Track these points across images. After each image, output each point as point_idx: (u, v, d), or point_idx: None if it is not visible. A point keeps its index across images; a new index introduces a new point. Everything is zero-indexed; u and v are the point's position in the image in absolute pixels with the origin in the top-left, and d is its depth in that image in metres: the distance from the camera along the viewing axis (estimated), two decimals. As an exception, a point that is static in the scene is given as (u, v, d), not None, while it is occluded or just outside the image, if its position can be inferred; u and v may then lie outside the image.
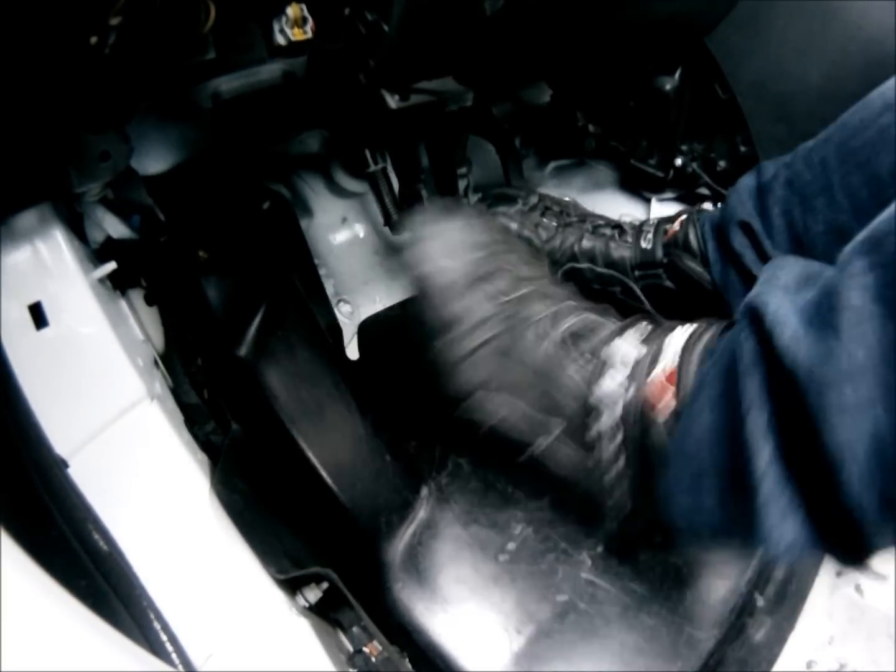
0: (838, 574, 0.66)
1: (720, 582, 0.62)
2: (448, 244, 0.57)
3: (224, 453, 0.63)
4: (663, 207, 1.04)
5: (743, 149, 0.85)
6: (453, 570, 0.64)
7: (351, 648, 0.56)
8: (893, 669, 0.60)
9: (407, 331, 0.64)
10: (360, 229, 1.02)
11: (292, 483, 0.69)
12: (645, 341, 0.49)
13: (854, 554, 0.36)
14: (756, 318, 0.37)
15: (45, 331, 0.56)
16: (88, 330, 0.58)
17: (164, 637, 0.45)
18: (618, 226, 0.87)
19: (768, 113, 0.81)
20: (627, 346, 0.50)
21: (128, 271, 0.69)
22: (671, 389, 0.44)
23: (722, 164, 0.90)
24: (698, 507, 0.42)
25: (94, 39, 0.43)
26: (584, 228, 0.87)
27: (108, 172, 0.61)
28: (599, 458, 0.50)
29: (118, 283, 0.68)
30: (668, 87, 0.89)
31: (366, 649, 0.55)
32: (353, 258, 0.99)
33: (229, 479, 0.59)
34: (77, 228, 0.64)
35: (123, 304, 0.68)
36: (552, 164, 1.17)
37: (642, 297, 0.82)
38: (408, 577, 0.64)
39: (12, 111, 0.47)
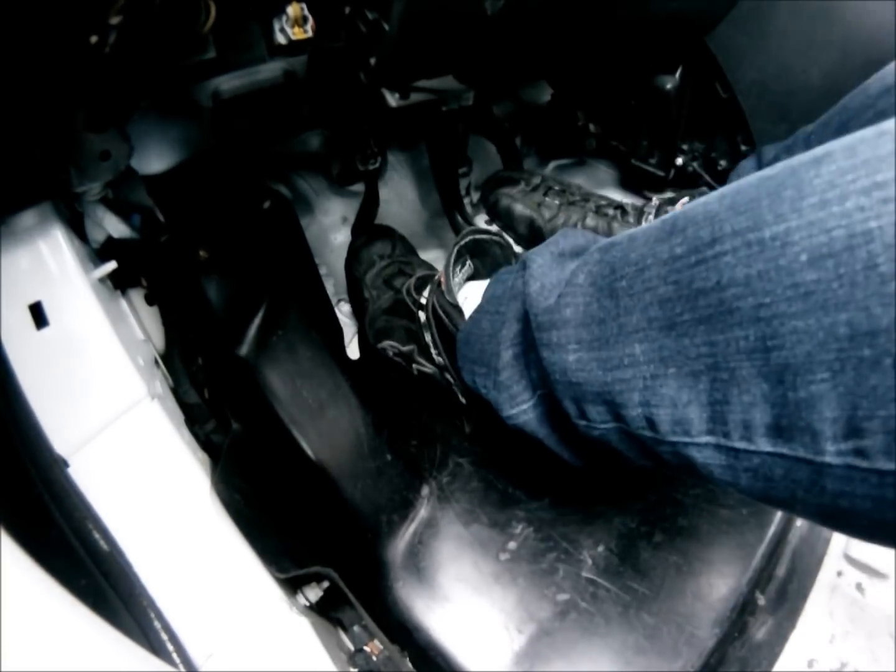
0: (839, 573, 0.66)
1: (721, 581, 0.62)
2: (370, 254, 0.88)
3: (224, 452, 0.63)
4: (664, 207, 1.03)
5: (744, 148, 0.85)
6: (454, 568, 0.64)
7: (352, 647, 0.56)
8: (894, 669, 0.60)
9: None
10: (360, 229, 1.02)
11: (293, 482, 0.69)
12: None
13: (571, 446, 0.51)
14: (526, 268, 0.50)
15: (45, 330, 0.56)
16: (89, 329, 0.58)
17: (164, 636, 0.45)
18: (620, 206, 0.88)
19: (769, 112, 0.81)
20: (436, 276, 0.68)
21: (128, 271, 0.69)
22: (443, 280, 0.64)
23: (723, 163, 0.90)
24: (475, 382, 0.57)
25: (94, 39, 0.43)
26: (587, 208, 0.89)
27: (108, 172, 0.61)
28: (436, 361, 0.67)
29: (118, 283, 0.68)
30: (668, 86, 0.88)
31: (367, 648, 0.55)
32: (353, 258, 0.99)
33: (230, 479, 0.59)
34: (77, 228, 0.64)
35: (124, 303, 0.68)
36: (553, 164, 1.17)
37: None
38: (409, 575, 0.64)
39: (13, 110, 0.47)
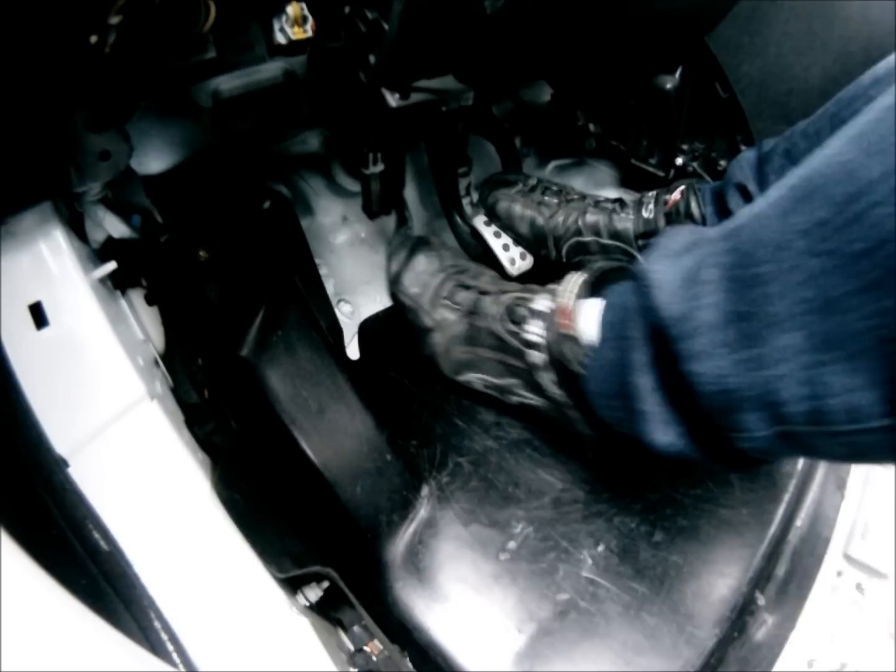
0: (839, 573, 0.66)
1: (721, 581, 0.62)
2: (416, 275, 0.80)
3: (224, 453, 0.63)
4: (664, 206, 1.04)
5: (744, 148, 0.85)
6: (454, 568, 0.64)
7: (352, 647, 0.56)
8: (894, 669, 0.60)
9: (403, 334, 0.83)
10: (360, 229, 1.02)
11: (293, 482, 0.69)
12: (551, 296, 0.64)
13: (727, 457, 0.47)
14: (643, 280, 0.46)
15: (45, 330, 0.56)
16: (89, 330, 0.58)
17: (164, 636, 0.45)
18: (618, 200, 0.88)
19: (769, 112, 0.81)
20: (540, 304, 0.64)
21: (128, 271, 0.69)
22: (570, 320, 0.59)
23: (723, 163, 0.90)
24: (613, 418, 0.54)
25: (94, 38, 0.43)
26: (586, 203, 0.89)
27: (108, 172, 0.61)
28: (552, 396, 0.63)
29: (118, 283, 0.68)
30: (668, 86, 0.88)
31: (366, 648, 0.55)
32: (353, 258, 0.99)
33: (230, 479, 0.59)
34: (77, 228, 0.64)
35: (124, 303, 0.68)
36: (553, 164, 1.17)
37: None
38: (408, 575, 0.64)
39: (12, 110, 0.47)
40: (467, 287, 0.76)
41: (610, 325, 0.53)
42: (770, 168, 0.68)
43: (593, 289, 0.62)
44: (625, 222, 0.84)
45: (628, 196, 0.91)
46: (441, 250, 0.83)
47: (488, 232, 0.95)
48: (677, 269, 0.43)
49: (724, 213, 0.73)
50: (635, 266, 0.48)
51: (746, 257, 0.36)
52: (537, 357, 0.63)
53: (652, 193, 0.84)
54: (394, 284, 0.83)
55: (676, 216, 0.78)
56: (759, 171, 0.70)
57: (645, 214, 0.82)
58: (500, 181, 0.96)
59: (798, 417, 0.35)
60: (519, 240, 0.94)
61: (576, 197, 0.91)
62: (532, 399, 0.68)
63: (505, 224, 0.94)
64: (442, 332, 0.75)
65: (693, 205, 0.77)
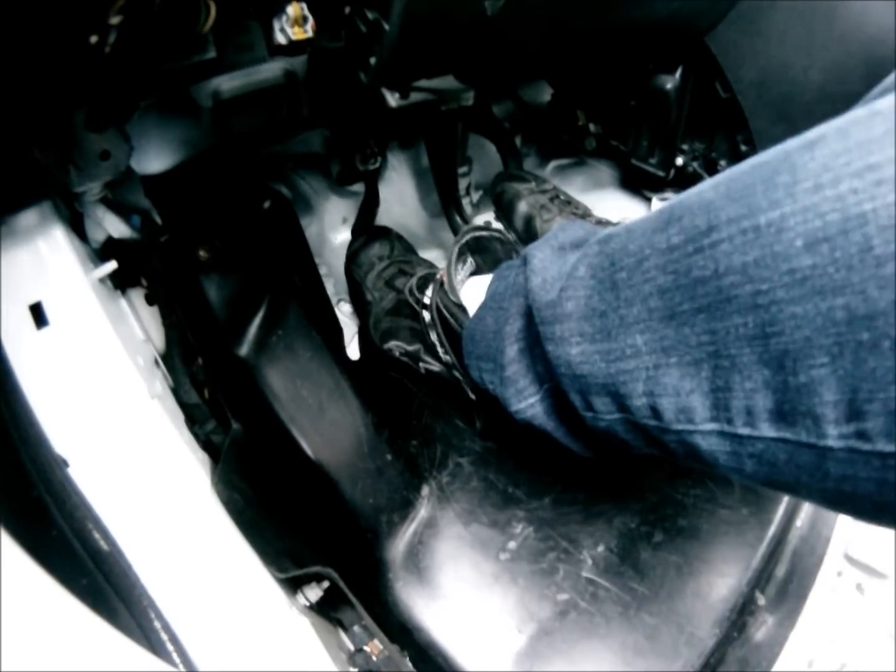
0: (839, 573, 0.66)
1: (721, 581, 0.62)
2: (368, 256, 0.89)
3: (224, 452, 0.63)
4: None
5: (744, 148, 0.85)
6: (454, 568, 0.64)
7: (352, 647, 0.56)
8: (894, 669, 0.60)
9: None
10: (360, 229, 1.02)
11: (293, 482, 0.69)
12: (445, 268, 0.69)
13: (580, 440, 0.52)
14: (526, 263, 0.50)
15: (45, 330, 0.56)
16: (89, 329, 0.58)
17: (164, 636, 0.45)
18: (611, 223, 0.88)
19: (769, 112, 0.81)
20: (439, 273, 0.69)
21: (128, 271, 0.69)
22: (446, 281, 0.65)
23: (723, 163, 0.90)
24: (482, 379, 0.58)
25: (94, 38, 0.43)
26: (587, 220, 0.90)
27: (108, 172, 0.61)
28: (442, 358, 0.68)
29: (119, 283, 0.68)
30: (668, 86, 0.88)
31: (367, 648, 0.55)
32: (353, 257, 0.99)
33: (230, 478, 0.59)
34: (77, 228, 0.64)
35: (124, 303, 0.68)
36: (553, 163, 1.17)
37: None
38: (409, 575, 0.64)
39: (12, 110, 0.47)
40: (406, 273, 0.85)
41: (494, 293, 0.58)
42: None
43: (478, 255, 0.69)
44: None
45: (634, 206, 0.90)
46: (394, 241, 0.91)
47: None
48: (558, 261, 0.48)
49: None
50: (525, 249, 0.52)
51: (610, 262, 0.40)
52: (427, 316, 0.70)
53: None
54: (347, 261, 0.91)
55: None
56: None
57: (642, 216, 0.82)
58: (516, 175, 0.97)
59: (637, 410, 0.39)
60: (513, 235, 0.94)
61: (580, 213, 0.92)
62: (433, 364, 0.73)
63: (504, 214, 0.95)
64: (376, 305, 0.84)
65: None
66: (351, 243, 0.92)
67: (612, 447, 0.49)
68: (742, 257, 0.30)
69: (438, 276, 0.69)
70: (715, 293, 0.32)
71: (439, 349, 0.68)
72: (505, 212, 0.95)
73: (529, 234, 0.92)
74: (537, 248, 0.51)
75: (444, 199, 1.01)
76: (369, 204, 0.96)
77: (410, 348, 0.76)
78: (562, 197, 0.95)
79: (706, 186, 0.34)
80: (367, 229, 0.93)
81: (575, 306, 0.42)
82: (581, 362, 0.42)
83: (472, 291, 0.66)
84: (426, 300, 0.71)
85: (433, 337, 0.69)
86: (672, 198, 0.39)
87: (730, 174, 0.33)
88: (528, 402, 0.52)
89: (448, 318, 0.64)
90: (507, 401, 0.53)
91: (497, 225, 0.96)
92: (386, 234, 0.92)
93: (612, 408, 0.41)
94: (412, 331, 0.75)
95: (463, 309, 0.64)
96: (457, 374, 0.68)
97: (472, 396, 0.69)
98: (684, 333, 0.34)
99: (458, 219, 1.00)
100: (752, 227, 0.30)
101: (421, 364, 0.75)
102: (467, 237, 0.68)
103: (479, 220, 0.97)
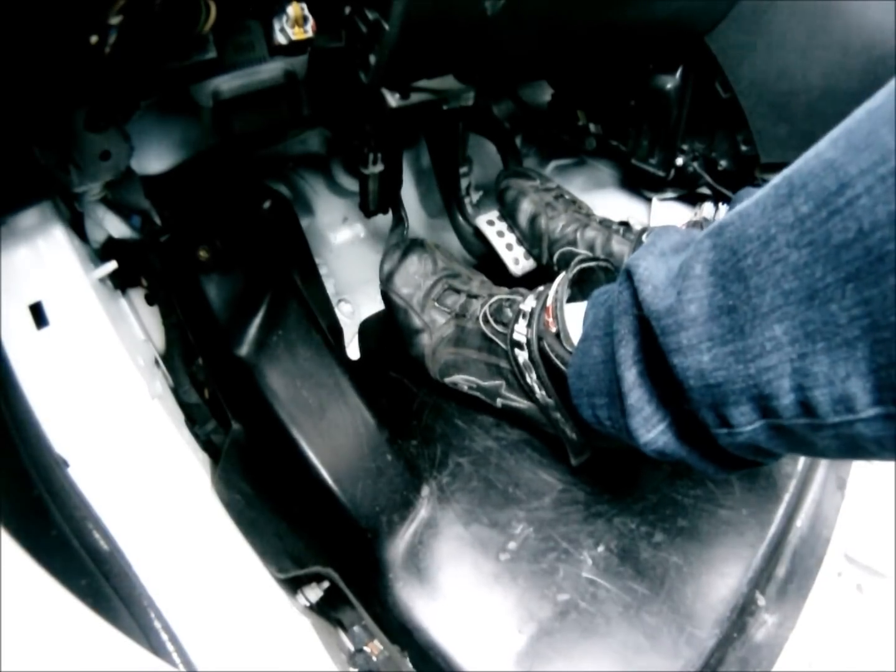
0: (839, 574, 0.66)
1: (721, 581, 0.62)
2: (408, 276, 0.80)
3: (225, 452, 0.63)
4: (664, 207, 1.04)
5: (744, 148, 0.85)
6: (454, 569, 0.64)
7: (352, 647, 0.56)
8: (894, 669, 0.60)
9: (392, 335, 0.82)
10: (360, 229, 1.02)
11: (293, 482, 0.69)
12: (537, 298, 0.64)
13: (716, 462, 0.47)
14: (630, 277, 0.46)
15: (45, 330, 0.56)
16: (89, 329, 0.58)
17: (164, 636, 0.45)
18: (625, 223, 0.88)
19: (769, 112, 0.81)
20: (527, 305, 0.64)
21: (128, 271, 0.69)
22: (551, 317, 0.60)
23: (723, 163, 0.90)
24: (596, 417, 0.54)
25: (94, 38, 0.43)
26: (591, 219, 0.90)
27: (108, 172, 0.61)
28: (537, 398, 0.64)
29: (119, 283, 0.68)
30: (668, 86, 0.88)
31: (367, 648, 0.55)
32: (353, 258, 0.99)
33: (230, 479, 0.59)
34: (78, 228, 0.64)
35: (124, 303, 0.68)
36: (553, 164, 1.17)
37: None
38: (409, 576, 0.64)
39: (13, 110, 0.47)
40: (457, 291, 0.77)
41: (595, 321, 0.53)
42: None
43: (576, 286, 0.63)
44: (622, 244, 0.84)
45: (636, 223, 0.90)
46: (435, 253, 0.82)
47: (491, 231, 0.95)
48: (665, 265, 0.44)
49: None
50: (626, 263, 0.48)
51: (731, 253, 0.37)
52: (522, 356, 0.63)
53: (662, 224, 0.83)
54: (385, 283, 0.82)
55: None
56: None
57: (644, 239, 0.82)
58: (520, 172, 0.97)
59: (785, 410, 0.35)
60: (517, 233, 0.94)
61: (584, 213, 0.92)
62: (517, 401, 0.68)
63: (508, 212, 0.95)
64: (430, 333, 0.76)
65: None
66: (382, 265, 0.83)
67: (750, 461, 0.46)
68: (887, 207, 0.28)
69: (528, 308, 0.63)
70: (863, 255, 0.29)
71: (538, 391, 0.62)
72: (509, 209, 0.95)
73: (534, 232, 0.92)
74: (638, 258, 0.47)
75: (446, 199, 1.01)
76: (391, 182, 0.90)
77: (487, 384, 0.70)
78: (566, 196, 0.94)
79: (822, 147, 0.32)
80: (401, 246, 0.84)
81: (699, 308, 0.39)
82: (715, 369, 0.38)
83: (569, 322, 0.60)
84: (517, 336, 0.64)
85: (530, 378, 0.63)
86: (778, 175, 0.35)
87: (842, 129, 0.31)
88: (658, 430, 0.47)
89: (555, 360, 0.58)
90: (634, 433, 0.48)
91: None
92: (421, 246, 0.83)
93: (754, 416, 0.38)
94: (489, 366, 0.69)
95: (565, 344, 0.58)
96: (557, 414, 0.63)
97: (573, 436, 0.64)
98: (831, 311, 0.31)
99: (460, 218, 0.99)
100: (889, 172, 0.28)
101: (500, 400, 0.70)
102: (574, 272, 0.62)
103: (482, 220, 0.97)
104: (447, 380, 0.75)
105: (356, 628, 0.56)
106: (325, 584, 0.57)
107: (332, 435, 0.71)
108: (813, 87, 0.76)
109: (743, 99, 0.82)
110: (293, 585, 0.56)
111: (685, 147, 0.94)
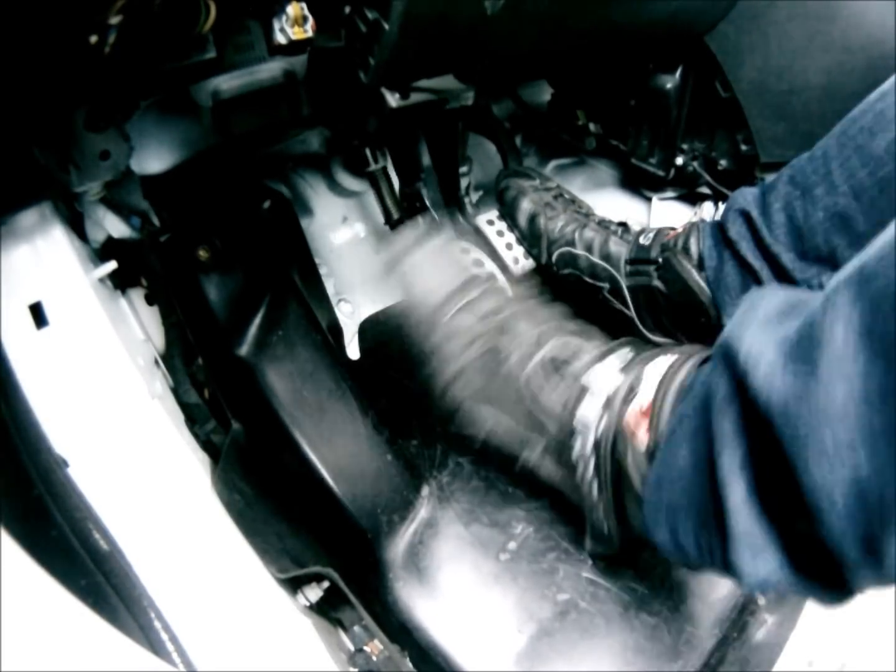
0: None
1: (721, 581, 0.62)
2: (438, 264, 0.63)
3: (224, 452, 0.63)
4: (664, 206, 1.04)
5: (744, 148, 0.85)
6: (454, 568, 0.64)
7: (352, 647, 0.56)
8: (893, 669, 0.60)
9: (406, 338, 0.68)
10: (360, 228, 1.02)
11: (293, 482, 0.69)
12: (624, 370, 0.50)
13: (835, 593, 0.37)
14: (730, 357, 0.36)
15: (45, 330, 0.56)
16: (89, 329, 0.58)
17: (164, 636, 0.45)
18: (623, 224, 0.88)
19: (769, 111, 0.81)
20: (606, 374, 0.51)
21: (128, 270, 0.69)
22: (645, 423, 0.45)
23: (723, 163, 0.90)
24: (676, 542, 0.42)
25: (93, 38, 0.43)
26: (589, 219, 0.89)
27: (108, 171, 0.61)
28: (580, 478, 0.52)
29: (119, 283, 0.68)
30: (668, 85, 0.88)
31: (367, 648, 0.55)
32: (353, 257, 0.99)
33: (230, 479, 0.59)
34: (77, 228, 0.64)
35: (124, 303, 0.68)
36: (553, 163, 1.17)
37: (627, 298, 0.81)
38: (409, 575, 0.64)
39: (12, 110, 0.47)
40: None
41: (682, 418, 0.41)
42: (774, 196, 0.65)
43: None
44: (619, 246, 0.83)
45: (635, 223, 0.89)
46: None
47: (491, 231, 0.94)
48: (776, 334, 0.33)
49: (723, 238, 0.70)
50: (720, 340, 0.38)
51: (893, 309, 0.26)
52: (581, 446, 0.51)
53: (659, 227, 0.82)
54: (403, 272, 0.66)
55: (673, 248, 0.75)
56: (762, 199, 0.67)
57: (642, 241, 0.80)
58: (520, 171, 0.96)
59: None
60: (513, 227, 0.94)
61: (583, 212, 0.91)
62: (549, 469, 0.56)
63: (507, 211, 0.94)
64: (456, 339, 0.60)
65: (692, 240, 0.74)
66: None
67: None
68: None
69: (607, 389, 0.49)
70: None
71: (587, 484, 0.51)
72: (508, 209, 0.94)
73: (533, 232, 0.91)
74: (738, 328, 0.36)
75: (446, 199, 1.00)
76: (408, 181, 0.89)
77: (522, 435, 0.57)
78: (566, 195, 0.94)
79: None
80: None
81: (849, 392, 0.27)
82: (879, 484, 0.27)
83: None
84: (580, 422, 0.50)
85: (584, 469, 0.51)
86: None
87: None
88: (766, 559, 0.36)
89: (634, 481, 0.46)
90: (735, 563, 0.37)
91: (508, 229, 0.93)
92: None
93: None
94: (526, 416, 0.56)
95: (647, 456, 0.45)
96: (600, 508, 0.52)
97: (606, 531, 0.54)
98: None
99: (460, 218, 0.99)
100: None
101: (525, 454, 0.58)
102: (689, 375, 0.46)
103: (482, 219, 0.96)
104: (461, 411, 0.60)
105: (356, 628, 0.56)
106: (326, 584, 0.57)
107: (331, 435, 0.71)
108: (813, 86, 0.76)
109: (743, 98, 0.82)
110: (293, 585, 0.56)
111: (685, 146, 0.93)
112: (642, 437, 0.45)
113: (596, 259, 0.83)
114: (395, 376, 0.83)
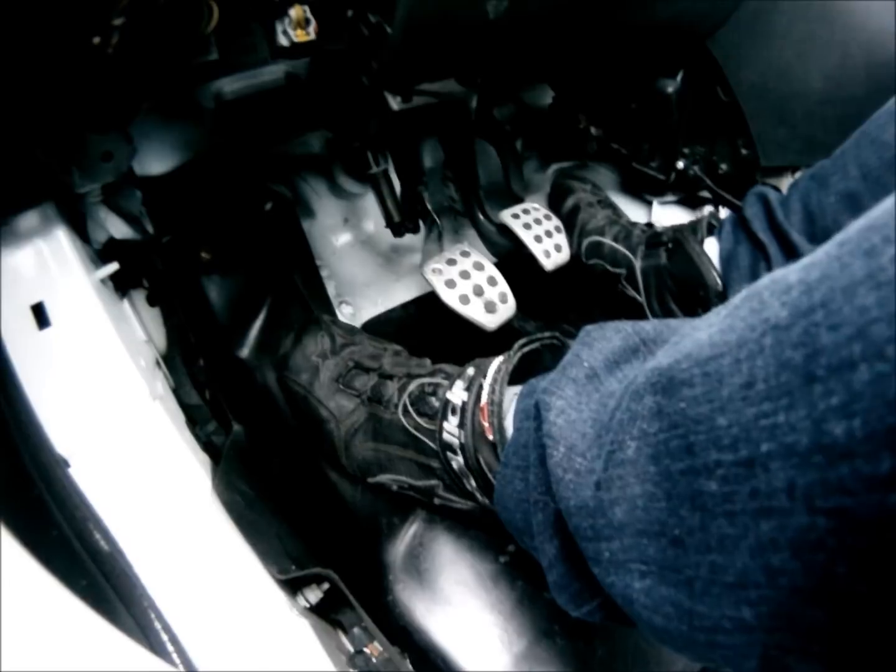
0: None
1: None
2: (305, 358, 0.69)
3: (225, 454, 0.63)
4: (665, 210, 1.04)
5: (744, 152, 0.86)
6: (454, 570, 0.64)
7: (352, 649, 0.55)
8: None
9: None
10: (361, 231, 1.02)
11: (293, 483, 0.69)
12: (468, 388, 0.53)
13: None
14: (538, 412, 0.36)
15: (47, 331, 0.56)
16: (90, 330, 0.58)
17: (164, 637, 0.45)
18: (650, 224, 0.97)
19: (770, 115, 0.81)
20: (456, 396, 0.53)
21: (130, 272, 0.69)
22: (487, 423, 0.48)
23: (724, 166, 0.90)
24: (533, 550, 0.43)
25: (97, 40, 0.43)
26: (622, 219, 0.97)
27: (110, 173, 0.61)
28: (479, 501, 0.54)
29: (120, 284, 0.68)
30: (669, 89, 0.89)
31: (367, 650, 0.55)
32: (354, 260, 0.99)
33: (230, 480, 0.59)
34: (80, 229, 0.64)
35: (126, 304, 0.68)
36: (554, 167, 1.17)
37: (640, 282, 0.86)
38: (409, 577, 0.64)
39: (15, 110, 0.47)
40: (366, 370, 0.66)
41: (516, 447, 0.42)
42: (794, 189, 0.71)
43: (520, 376, 0.50)
44: (640, 237, 0.89)
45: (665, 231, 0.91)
46: (331, 328, 0.72)
47: (517, 224, 0.90)
48: (592, 402, 0.33)
49: (741, 222, 0.75)
50: (543, 379, 0.38)
51: (684, 439, 0.24)
52: (456, 461, 0.52)
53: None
54: (280, 369, 0.71)
55: (686, 231, 0.81)
56: (785, 193, 0.73)
57: (659, 230, 0.87)
58: (577, 175, 1.07)
59: None
60: (554, 210, 1.01)
61: (618, 213, 0.99)
62: (458, 502, 0.57)
63: (554, 199, 1.05)
64: (338, 423, 0.64)
65: (703, 223, 0.80)
66: (277, 349, 0.73)
67: None
68: None
69: (458, 401, 0.52)
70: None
71: (480, 498, 0.52)
72: (556, 198, 1.04)
73: (569, 223, 0.97)
74: (553, 385, 0.36)
75: (467, 200, 0.97)
76: (410, 186, 0.87)
77: (420, 484, 0.59)
78: (608, 202, 1.02)
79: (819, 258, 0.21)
80: (302, 318, 0.76)
81: (627, 514, 0.27)
82: (649, 608, 0.27)
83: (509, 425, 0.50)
84: (448, 437, 0.52)
85: (470, 485, 0.53)
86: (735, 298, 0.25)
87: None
88: (589, 608, 0.37)
89: (488, 474, 0.49)
90: (562, 605, 0.39)
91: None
92: (316, 323, 0.72)
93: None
94: (419, 465, 0.58)
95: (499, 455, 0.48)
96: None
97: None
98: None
99: (482, 217, 0.96)
100: None
101: (437, 499, 0.59)
102: (517, 358, 0.51)
103: (506, 213, 0.91)
104: (371, 480, 0.64)
105: (356, 630, 0.56)
106: (326, 586, 0.57)
107: (332, 436, 0.71)
108: (813, 91, 0.76)
109: (744, 103, 0.82)
110: (293, 586, 0.56)
111: (686, 150, 0.94)
112: (488, 429, 0.48)
113: (618, 246, 0.90)
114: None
